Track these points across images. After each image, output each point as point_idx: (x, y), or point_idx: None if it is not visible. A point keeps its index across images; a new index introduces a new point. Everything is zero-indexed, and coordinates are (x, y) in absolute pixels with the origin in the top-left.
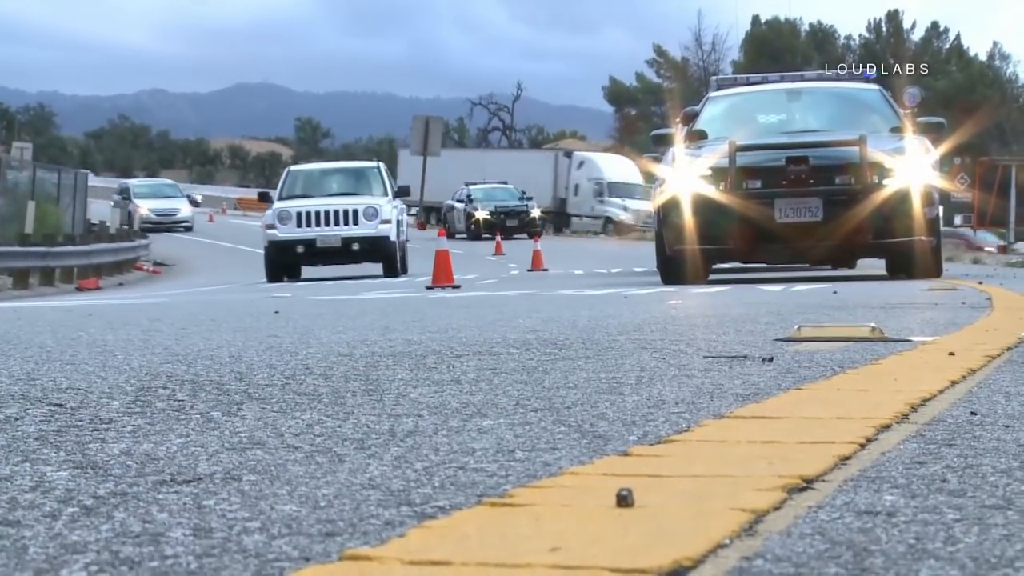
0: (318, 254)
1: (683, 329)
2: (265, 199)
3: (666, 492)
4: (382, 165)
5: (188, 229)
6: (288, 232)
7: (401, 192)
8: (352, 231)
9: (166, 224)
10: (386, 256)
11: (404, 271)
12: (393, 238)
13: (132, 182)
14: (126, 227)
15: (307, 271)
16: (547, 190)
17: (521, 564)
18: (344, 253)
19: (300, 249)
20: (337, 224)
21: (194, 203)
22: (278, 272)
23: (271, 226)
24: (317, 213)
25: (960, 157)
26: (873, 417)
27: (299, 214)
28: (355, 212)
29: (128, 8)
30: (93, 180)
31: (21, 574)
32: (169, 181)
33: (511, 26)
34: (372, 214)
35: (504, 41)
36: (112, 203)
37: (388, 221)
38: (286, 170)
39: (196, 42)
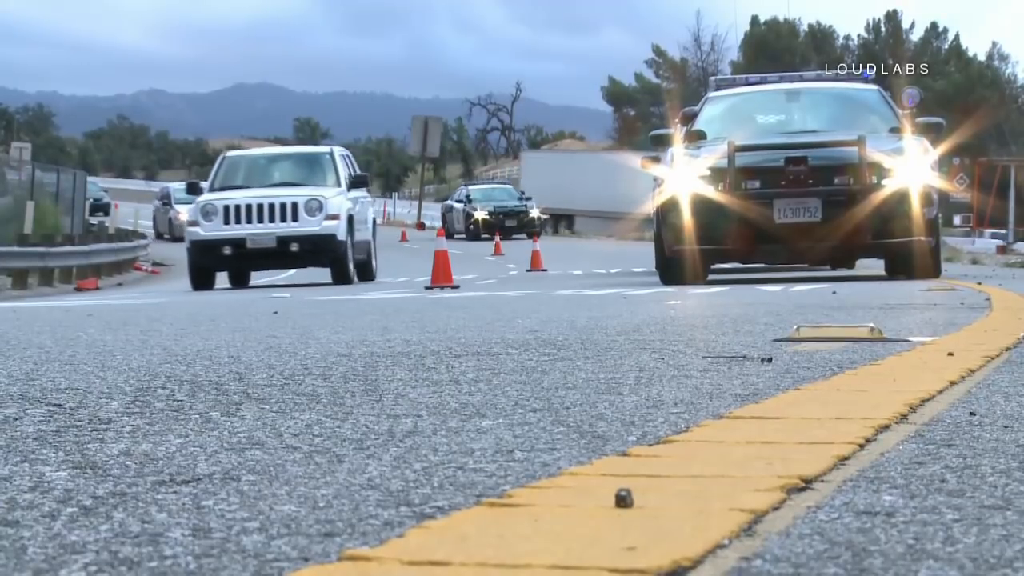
0: (249, 256)
1: (682, 329)
2: (195, 190)
3: (665, 492)
4: (338, 150)
5: None
6: (213, 230)
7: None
8: (290, 229)
9: None
10: (333, 259)
11: (370, 276)
12: (342, 237)
13: (173, 186)
14: (167, 235)
15: (260, 276)
16: None
17: (520, 564)
18: (280, 256)
19: (227, 251)
20: (272, 220)
21: None
22: (205, 278)
23: (193, 223)
24: (248, 207)
25: (959, 157)
26: (872, 418)
27: (227, 208)
28: (294, 206)
29: (127, 8)
30: (129, 184)
31: (20, 574)
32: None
33: (510, 26)
34: (315, 208)
35: (503, 41)
36: (154, 208)
37: (335, 216)
38: (221, 156)
39: (195, 42)
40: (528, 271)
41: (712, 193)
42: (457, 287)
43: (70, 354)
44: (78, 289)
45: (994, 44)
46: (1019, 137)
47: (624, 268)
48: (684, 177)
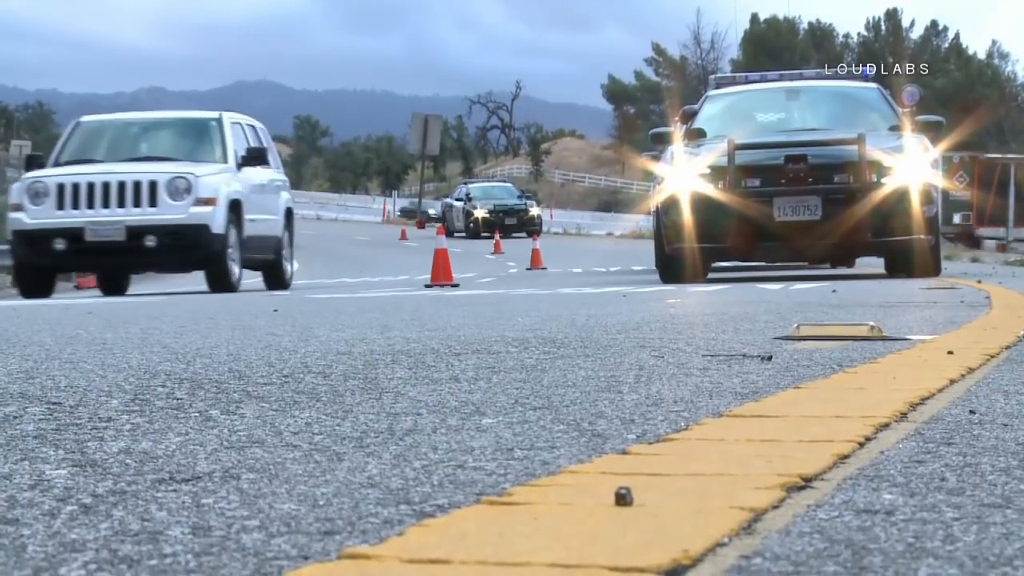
0: (89, 252)
1: (682, 328)
2: (35, 164)
3: (665, 491)
4: (231, 116)
5: None
6: (41, 217)
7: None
8: (145, 216)
9: None
10: (205, 257)
11: (283, 283)
12: (218, 228)
13: None
14: None
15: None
16: None
17: (520, 562)
18: (132, 252)
19: (59, 244)
20: (123, 205)
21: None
22: (35, 280)
23: (17, 206)
24: (90, 187)
25: (959, 155)
26: (872, 416)
27: (60, 188)
28: (152, 186)
29: (127, 6)
30: None
31: (20, 572)
32: None
33: (509, 24)
34: (181, 189)
35: (502, 39)
36: None
37: (210, 201)
38: (73, 121)
39: (195, 40)
40: (528, 269)
41: (712, 191)
42: (457, 285)
43: (70, 352)
44: (78, 287)
45: (994, 42)
46: (1019, 135)
47: (624, 266)
48: (684, 175)
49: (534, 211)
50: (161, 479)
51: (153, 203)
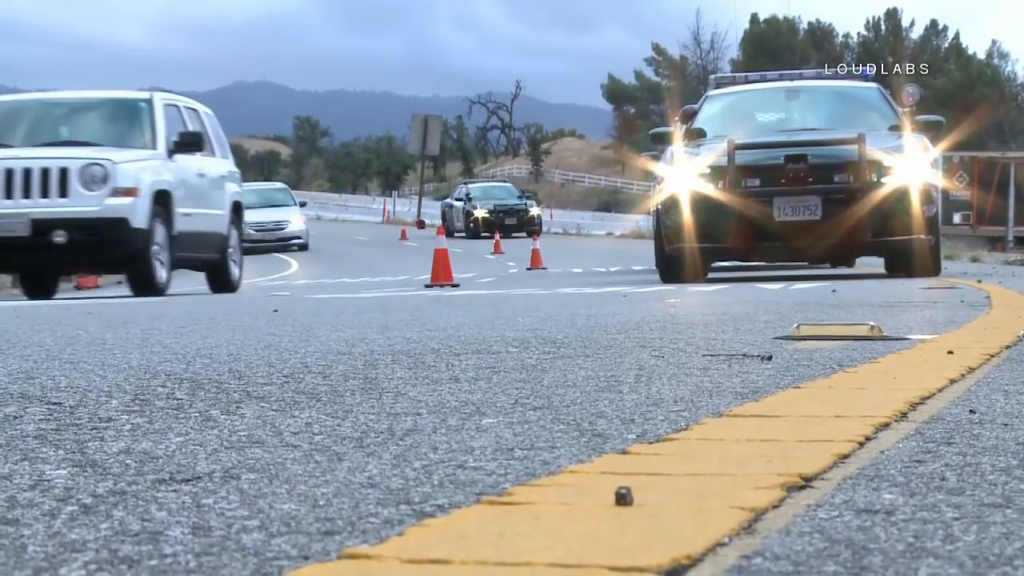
0: None
1: (682, 327)
2: None
3: (665, 490)
4: (163, 96)
5: (303, 247)
6: None
7: (189, 144)
8: (53, 208)
9: (270, 242)
10: (124, 256)
11: (229, 285)
12: (141, 223)
13: None
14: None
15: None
16: None
17: (520, 562)
18: (38, 249)
19: None
20: (28, 196)
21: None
22: None
23: None
24: None
25: (959, 155)
26: (872, 415)
27: None
28: (63, 174)
29: (127, 6)
30: None
31: (20, 572)
32: (279, 184)
33: (509, 24)
34: (97, 178)
35: (502, 39)
36: None
37: (130, 192)
38: None
39: (194, 40)
40: (528, 269)
41: (712, 191)
42: (457, 285)
43: (70, 352)
44: (78, 287)
45: (994, 42)
46: (1019, 135)
47: (624, 266)
48: (684, 175)
49: (534, 211)
50: (161, 479)
51: (64, 193)
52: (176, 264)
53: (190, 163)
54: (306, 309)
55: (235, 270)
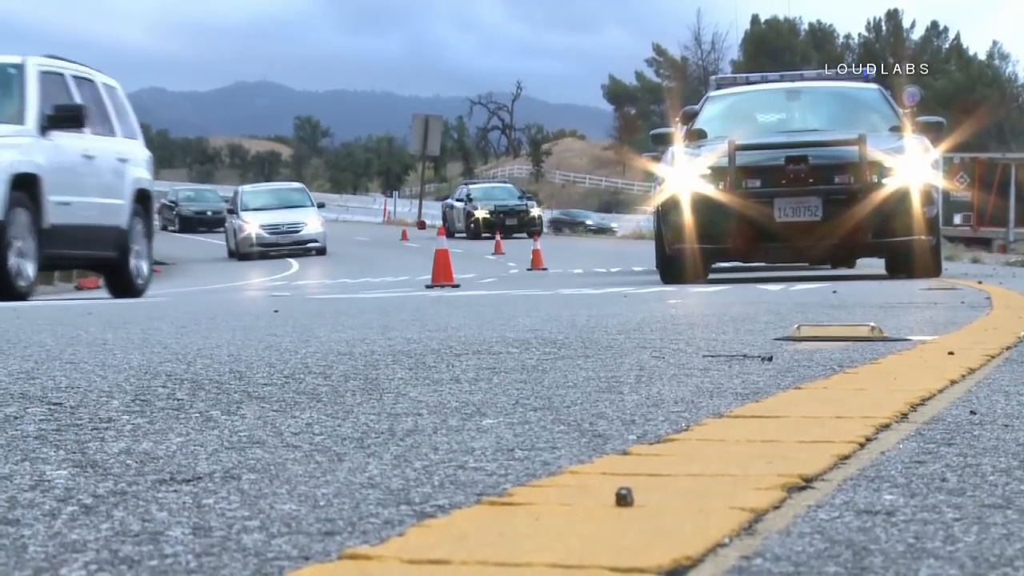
0: None
1: (682, 328)
2: None
3: (665, 491)
4: (37, 61)
5: (320, 252)
6: None
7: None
8: None
9: (284, 246)
10: None
11: (132, 289)
12: None
13: (244, 188)
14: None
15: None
16: None
17: (520, 563)
18: None
19: None
20: None
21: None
22: None
23: None
24: None
25: (960, 156)
26: (872, 416)
27: None
28: None
29: (127, 6)
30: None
31: (21, 573)
32: (295, 184)
33: (510, 25)
34: None
35: (503, 40)
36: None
37: None
38: None
39: (195, 41)
40: (528, 270)
41: (712, 192)
42: (458, 286)
43: (70, 352)
44: (79, 288)
45: (994, 43)
46: (1020, 136)
47: (624, 267)
48: (684, 176)
49: (535, 212)
50: (162, 479)
51: None
52: (48, 263)
53: (72, 142)
54: (307, 310)
55: (140, 270)
